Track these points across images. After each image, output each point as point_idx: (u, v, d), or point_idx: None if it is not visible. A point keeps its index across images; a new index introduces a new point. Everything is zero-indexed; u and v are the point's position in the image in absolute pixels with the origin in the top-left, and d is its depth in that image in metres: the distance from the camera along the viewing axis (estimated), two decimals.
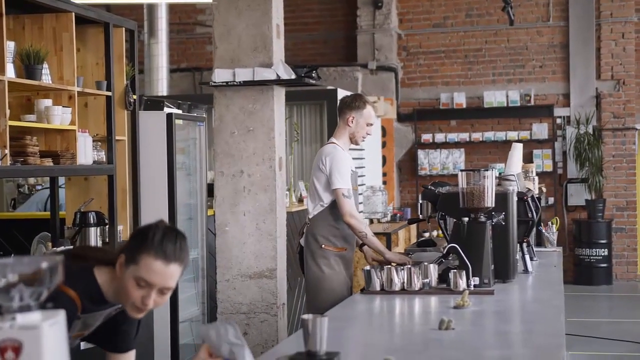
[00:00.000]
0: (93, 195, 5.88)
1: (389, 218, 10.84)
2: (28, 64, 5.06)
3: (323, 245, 5.39)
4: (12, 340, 1.80)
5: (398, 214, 11.17)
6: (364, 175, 10.80)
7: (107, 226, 5.79)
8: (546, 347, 3.14)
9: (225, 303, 5.90)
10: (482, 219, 4.55)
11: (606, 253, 12.62)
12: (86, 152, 5.54)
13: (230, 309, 5.89)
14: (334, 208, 5.33)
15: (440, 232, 6.32)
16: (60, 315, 1.85)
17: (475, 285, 4.41)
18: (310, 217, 5.50)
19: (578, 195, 12.97)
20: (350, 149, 5.53)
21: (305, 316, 2.84)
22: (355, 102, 5.49)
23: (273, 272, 5.84)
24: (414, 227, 11.37)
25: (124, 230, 6.08)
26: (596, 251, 12.59)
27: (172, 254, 2.69)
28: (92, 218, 5.63)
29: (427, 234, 10.68)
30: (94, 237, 5.61)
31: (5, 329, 1.80)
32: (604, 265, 12.64)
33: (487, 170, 4.59)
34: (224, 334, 2.42)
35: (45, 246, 5.70)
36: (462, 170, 4.61)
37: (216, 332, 2.42)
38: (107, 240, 5.81)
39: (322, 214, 5.40)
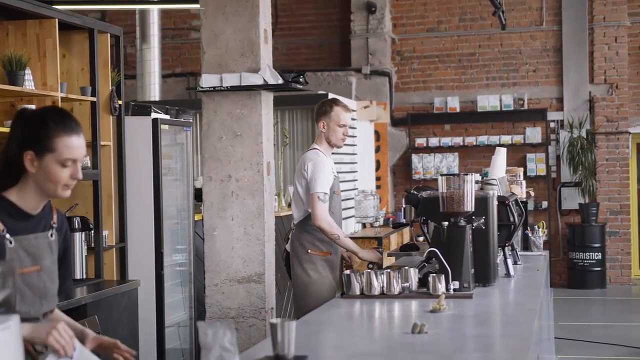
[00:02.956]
0: (78, 201, 5.89)
1: (381, 222, 10.85)
2: (10, 70, 5.07)
3: (309, 250, 5.43)
4: None
5: (391, 219, 11.16)
6: (357, 180, 10.81)
7: (92, 231, 5.80)
8: (514, 350, 3.15)
9: (213, 307, 5.91)
10: (462, 223, 4.56)
11: (600, 257, 12.62)
12: None
13: (219, 314, 5.90)
14: None
15: None
16: (13, 320, 1.87)
17: (455, 289, 4.41)
18: (296, 222, 5.52)
19: (572, 199, 12.97)
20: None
21: (273, 320, 2.87)
22: (322, 107, 5.57)
23: (261, 276, 5.84)
24: (407, 231, 11.36)
25: (109, 236, 6.09)
26: (590, 255, 12.59)
27: (76, 126, 2.88)
28: (77, 223, 5.63)
29: (421, 239, 10.66)
30: (79, 242, 5.61)
31: None
32: (598, 269, 12.64)
33: (467, 174, 4.60)
34: (220, 337, 2.42)
35: None
36: (442, 175, 4.63)
37: (213, 332, 2.43)
38: (92, 245, 5.82)
39: (307, 219, 5.43)
